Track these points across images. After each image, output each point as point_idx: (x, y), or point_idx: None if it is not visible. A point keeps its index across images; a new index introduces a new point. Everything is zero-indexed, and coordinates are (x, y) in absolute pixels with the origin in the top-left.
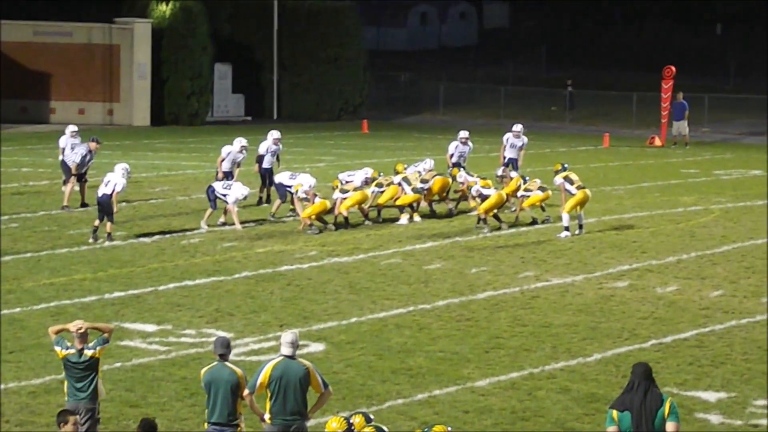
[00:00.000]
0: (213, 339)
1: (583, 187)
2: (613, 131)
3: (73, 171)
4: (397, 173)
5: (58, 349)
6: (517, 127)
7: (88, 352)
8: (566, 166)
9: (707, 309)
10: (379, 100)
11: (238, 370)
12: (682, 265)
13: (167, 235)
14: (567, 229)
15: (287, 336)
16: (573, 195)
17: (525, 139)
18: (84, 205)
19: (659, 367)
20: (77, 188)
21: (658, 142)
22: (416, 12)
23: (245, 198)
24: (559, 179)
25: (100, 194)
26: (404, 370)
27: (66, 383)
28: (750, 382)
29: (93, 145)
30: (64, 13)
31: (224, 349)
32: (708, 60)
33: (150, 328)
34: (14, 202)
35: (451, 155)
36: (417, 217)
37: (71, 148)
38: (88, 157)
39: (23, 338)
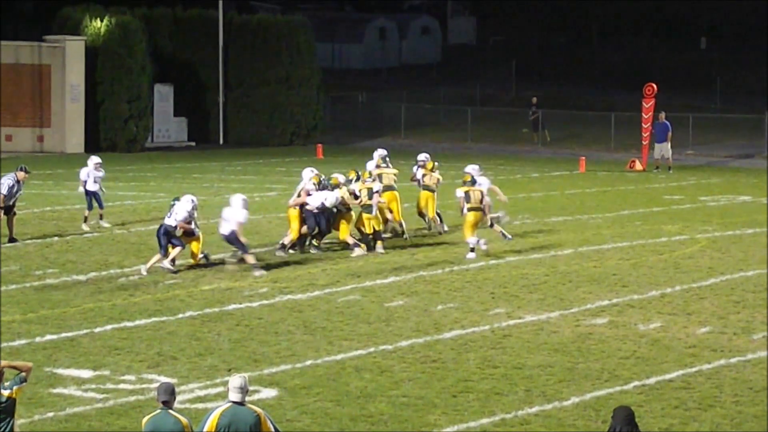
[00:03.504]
0: (155, 385)
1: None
2: (589, 155)
3: (0, 203)
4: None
5: None
6: (472, 168)
7: (5, 392)
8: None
9: (694, 347)
10: (335, 123)
11: (183, 419)
12: (666, 299)
13: (104, 272)
14: (472, 250)
15: (236, 381)
16: (464, 214)
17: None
18: (12, 240)
19: (642, 411)
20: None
21: (639, 166)
22: (374, 27)
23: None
24: (460, 192)
25: (161, 229)
26: (364, 417)
27: None
28: (741, 426)
29: (21, 174)
30: None
31: (168, 395)
32: (692, 77)
33: (85, 374)
34: None
35: (416, 179)
36: (380, 248)
37: (94, 181)
38: (15, 188)
39: None
